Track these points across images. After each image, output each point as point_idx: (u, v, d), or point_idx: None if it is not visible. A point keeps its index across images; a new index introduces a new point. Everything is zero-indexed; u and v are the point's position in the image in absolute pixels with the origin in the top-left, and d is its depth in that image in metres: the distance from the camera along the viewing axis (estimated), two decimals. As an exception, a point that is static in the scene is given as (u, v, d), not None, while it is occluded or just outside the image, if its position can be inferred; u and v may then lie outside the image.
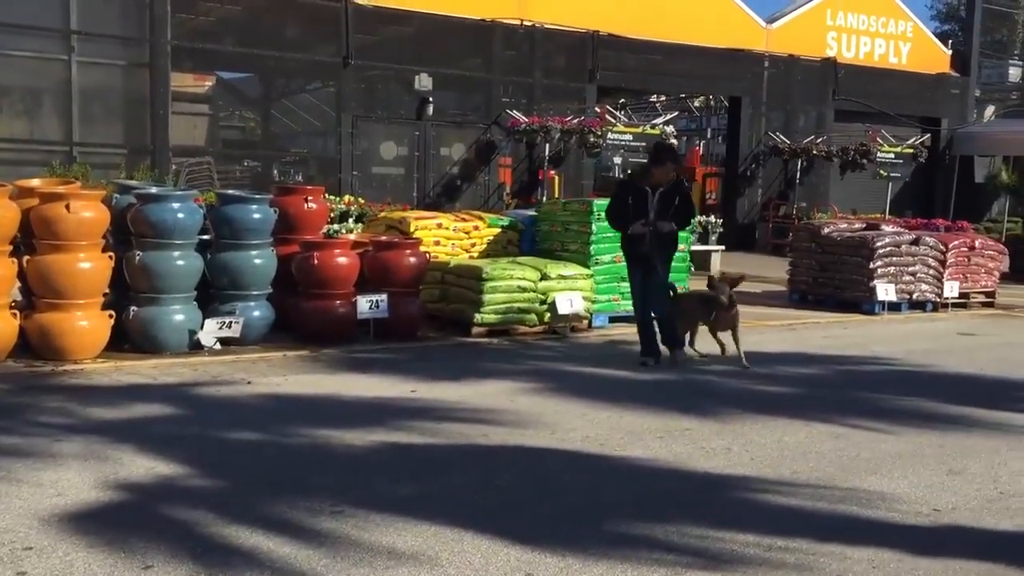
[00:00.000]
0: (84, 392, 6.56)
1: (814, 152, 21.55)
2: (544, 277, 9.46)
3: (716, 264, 16.25)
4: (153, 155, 14.45)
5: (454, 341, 9.15)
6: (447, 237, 10.25)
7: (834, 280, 12.48)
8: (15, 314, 7.31)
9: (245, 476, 4.96)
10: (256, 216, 8.26)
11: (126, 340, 7.79)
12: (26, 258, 7.35)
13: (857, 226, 13.24)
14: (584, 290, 9.73)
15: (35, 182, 8.12)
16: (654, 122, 19.73)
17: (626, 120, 19.79)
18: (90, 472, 4.84)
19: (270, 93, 21.98)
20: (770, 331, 10.45)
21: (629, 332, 9.87)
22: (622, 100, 25.23)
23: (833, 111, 22.65)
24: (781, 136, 21.82)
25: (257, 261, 8.26)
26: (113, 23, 14.40)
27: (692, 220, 8.66)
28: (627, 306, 10.26)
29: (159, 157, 14.45)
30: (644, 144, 17.19)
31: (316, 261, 8.42)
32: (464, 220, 10.64)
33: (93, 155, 14.03)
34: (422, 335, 9.16)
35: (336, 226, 12.42)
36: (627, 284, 10.19)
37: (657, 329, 8.23)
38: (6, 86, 13.94)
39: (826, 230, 12.87)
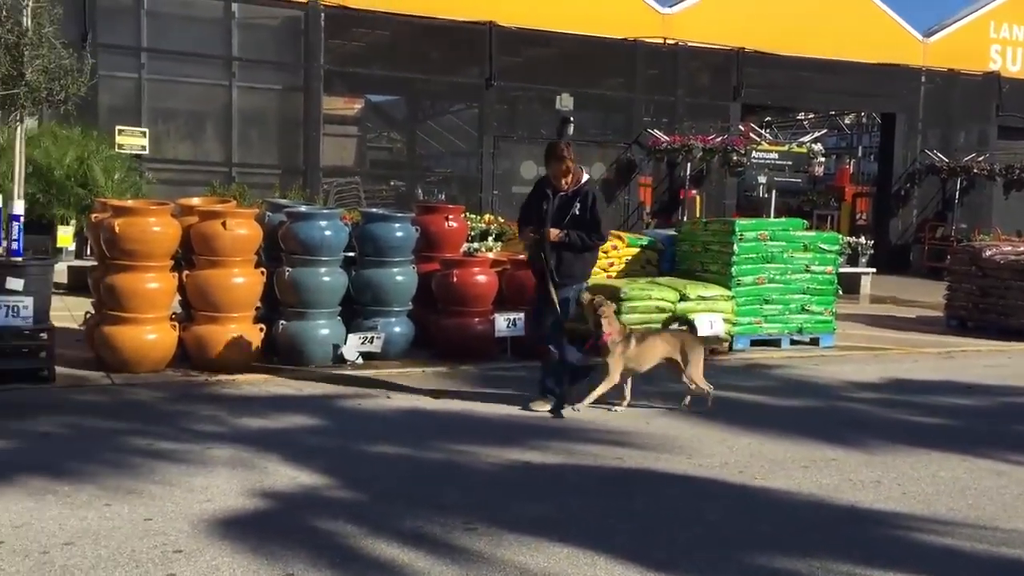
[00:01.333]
0: (235, 402, 6.83)
1: (975, 171, 20.42)
2: (683, 298, 9.29)
3: (866, 287, 15.58)
4: (305, 175, 15.05)
5: (593, 361, 9.07)
6: (585, 256, 10.20)
7: (997, 306, 11.74)
8: (174, 326, 7.71)
9: (383, 489, 5.04)
10: (399, 234, 8.45)
11: (274, 353, 8.09)
12: (185, 273, 7.75)
13: (1023, 249, 12.43)
14: (725, 312, 9.50)
15: (195, 201, 8.56)
16: (801, 140, 19.19)
17: (771, 138, 19.31)
18: (238, 479, 5.03)
19: (416, 115, 22.58)
20: (925, 359, 9.91)
21: (772, 356, 9.56)
22: (768, 118, 24.64)
23: (996, 128, 21.43)
24: (939, 154, 20.79)
25: (399, 278, 8.44)
26: (271, 50, 15.14)
27: (595, 236, 6.80)
28: (771, 328, 9.98)
29: (311, 177, 15.04)
30: (790, 163, 16.72)
31: (455, 279, 8.54)
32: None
33: (250, 175, 14.75)
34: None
35: (476, 244, 12.59)
36: (771, 306, 9.94)
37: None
38: (174, 110, 14.83)
39: (988, 252, 12.13)
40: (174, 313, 7.88)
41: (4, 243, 7.89)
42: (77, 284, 10.78)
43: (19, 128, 7.34)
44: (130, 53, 13.87)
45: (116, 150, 12.82)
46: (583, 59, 17.51)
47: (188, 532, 4.27)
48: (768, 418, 7.00)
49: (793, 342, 10.12)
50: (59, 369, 7.24)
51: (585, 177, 6.94)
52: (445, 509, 4.71)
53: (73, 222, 10.89)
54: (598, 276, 10.03)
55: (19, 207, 7.34)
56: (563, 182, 6.80)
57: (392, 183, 20.46)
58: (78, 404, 6.62)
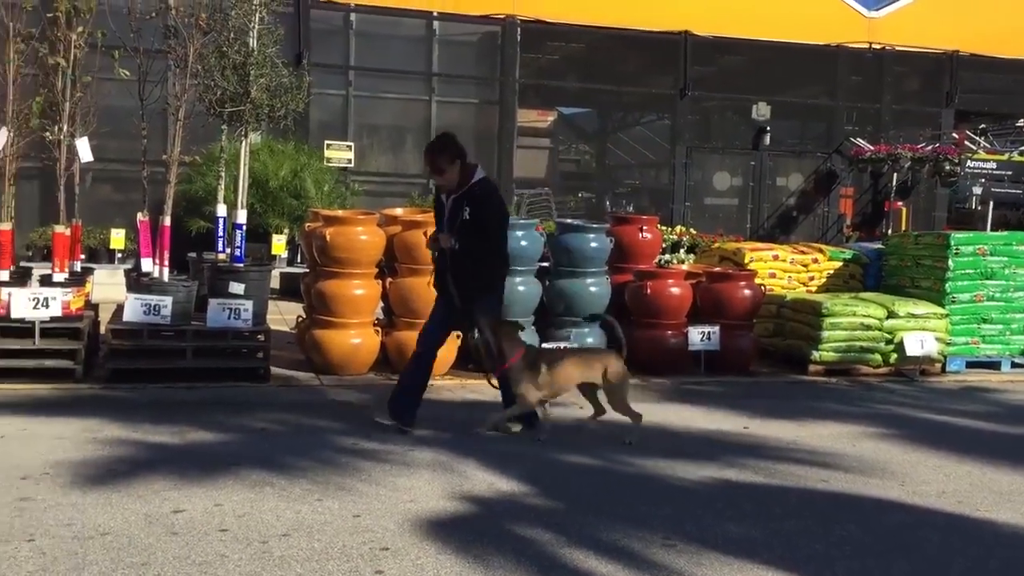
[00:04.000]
0: (434, 406, 6.97)
1: None
2: (891, 315, 8.79)
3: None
4: (498, 187, 15.37)
5: (788, 378, 8.76)
6: (783, 269, 9.87)
7: None
8: (377, 331, 8.02)
9: (579, 499, 5.03)
10: (593, 245, 8.45)
11: (469, 360, 8.27)
12: (388, 280, 8.06)
13: None
14: (937, 331, 8.91)
15: (398, 211, 8.89)
16: (1023, 149, 17.76)
17: (988, 147, 18.00)
18: (439, 482, 5.16)
19: (606, 126, 22.59)
20: None
21: (990, 379, 8.90)
22: (982, 125, 23.00)
23: None
24: None
25: (592, 289, 8.44)
26: (469, 65, 15.56)
27: (485, 243, 6.02)
28: (989, 350, 9.29)
29: (503, 188, 15.31)
30: (1010, 173, 15.51)
31: (649, 290, 8.45)
32: (802, 252, 10.19)
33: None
34: (754, 370, 8.86)
35: (667, 256, 12.42)
36: (990, 326, 9.25)
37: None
38: (377, 125, 15.50)
39: None
40: (376, 319, 8.20)
41: (227, 250, 8.45)
42: (288, 289, 11.46)
43: (244, 143, 7.86)
44: (339, 71, 14.62)
45: (324, 163, 13.52)
46: (781, 66, 16.98)
47: (394, 531, 4.41)
48: (989, 445, 6.49)
49: (1015, 365, 9.38)
50: (273, 369, 7.69)
51: (477, 175, 6.09)
52: (643, 523, 4.64)
53: (286, 231, 11.57)
54: (796, 290, 9.68)
55: (242, 216, 7.86)
56: (446, 181, 6.07)
57: (580, 194, 20.55)
58: (288, 403, 6.99)
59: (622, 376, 6.21)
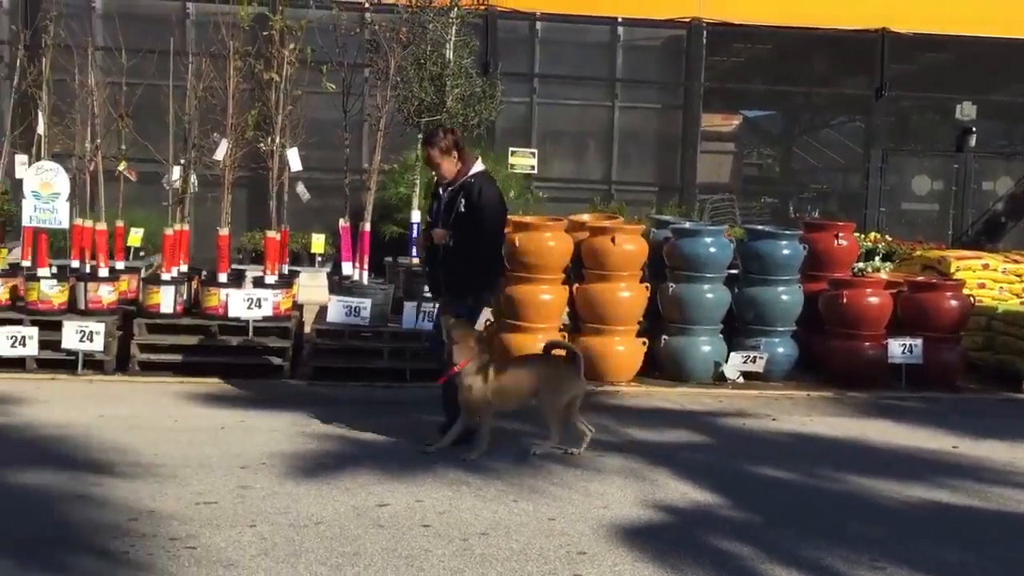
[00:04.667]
0: (620, 412, 7.01)
1: None
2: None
3: None
4: (681, 192, 15.15)
5: (1001, 395, 8.19)
6: (994, 280, 9.26)
7: None
8: (564, 336, 8.09)
9: (775, 513, 4.90)
10: (785, 252, 8.21)
11: (655, 367, 8.21)
12: (575, 285, 8.11)
13: None
14: None
15: (584, 217, 8.94)
16: None
17: None
18: (631, 489, 5.15)
19: (792, 129, 21.85)
20: None
21: None
22: None
23: None
24: None
25: (784, 297, 8.20)
26: (653, 70, 15.43)
27: (480, 240, 5.73)
28: None
29: (686, 194, 15.11)
30: None
31: (845, 300, 8.11)
32: (1015, 262, 9.52)
33: (627, 192, 15.12)
34: (961, 386, 8.34)
35: (861, 264, 11.87)
36: None
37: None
38: (560, 132, 15.63)
39: None
40: (563, 324, 8.27)
41: (417, 255, 8.76)
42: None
43: (438, 151, 8.12)
44: (523, 79, 14.84)
45: (508, 170, 13.75)
46: (988, 63, 15.90)
47: (589, 535, 4.43)
48: None
49: None
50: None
51: (475, 168, 5.85)
52: (846, 541, 4.46)
53: (472, 236, 11.84)
54: (1008, 301, 9.06)
55: (436, 222, 8.11)
56: (442, 173, 5.84)
57: (763, 199, 19.97)
58: (480, 404, 7.15)
59: (564, 386, 5.75)
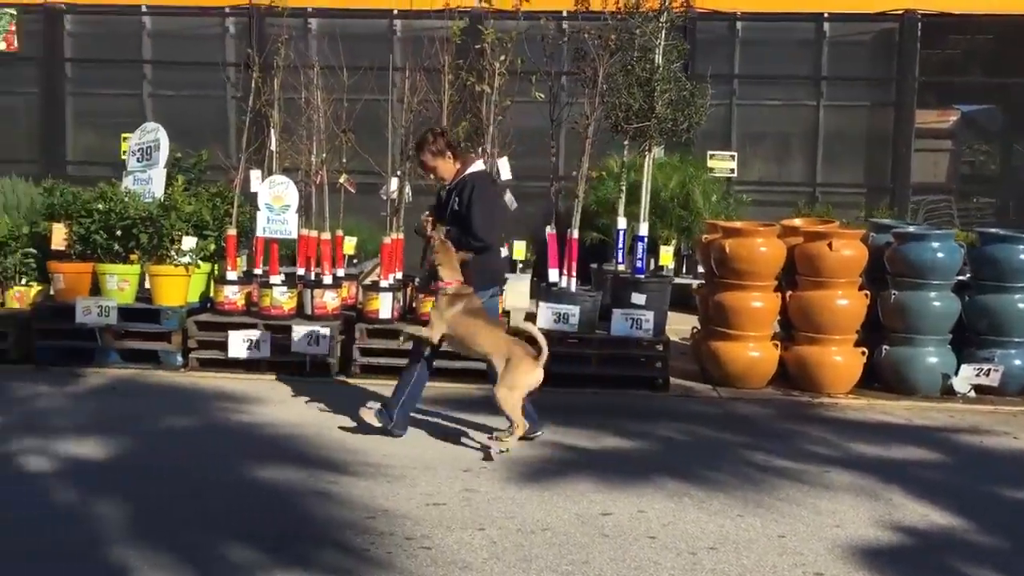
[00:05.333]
0: (842, 426, 6.71)
1: None
2: None
3: None
4: (893, 193, 14.36)
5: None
6: None
7: None
8: (776, 345, 7.83)
9: (1029, 542, 4.54)
10: (1023, 257, 7.61)
11: (875, 378, 7.80)
12: (788, 293, 7.83)
13: None
14: None
15: (797, 221, 8.62)
16: None
17: None
18: (864, 508, 4.91)
19: (1014, 124, 20.27)
20: None
21: None
22: None
23: None
24: None
25: (1021, 306, 7.60)
26: (861, 66, 14.72)
27: (475, 237, 5.80)
28: None
29: (898, 195, 14.30)
30: None
31: (1094, 309, 7.42)
32: None
33: (834, 195, 14.47)
34: None
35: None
36: None
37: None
38: (760, 133, 15.18)
39: None
40: (774, 333, 8.00)
41: (623, 261, 8.73)
42: (676, 300, 11.54)
43: (648, 157, 8.07)
44: (723, 80, 14.51)
45: (707, 174, 13.48)
46: None
47: (825, 555, 4.25)
48: None
49: None
50: (670, 379, 7.79)
51: (473, 167, 6.01)
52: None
53: (673, 242, 11.70)
54: None
55: (644, 228, 8.07)
56: (439, 175, 6.03)
57: (975, 199, 18.62)
58: (690, 413, 7.04)
59: (519, 370, 5.54)
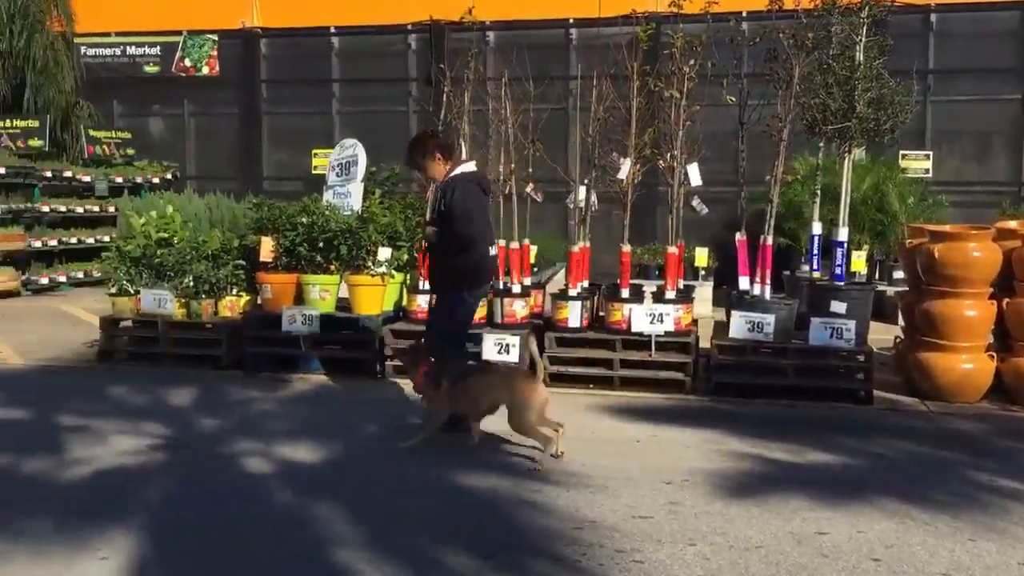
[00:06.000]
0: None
1: None
2: None
3: None
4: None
5: None
6: None
7: None
8: (991, 356, 7.32)
9: None
10: None
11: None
12: (1005, 300, 7.31)
13: None
14: None
15: (1013, 224, 8.03)
16: None
17: None
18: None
19: None
20: None
21: None
22: None
23: None
24: None
25: None
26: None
27: (454, 236, 6.01)
28: None
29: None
30: None
31: None
32: None
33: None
34: None
35: None
36: None
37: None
38: (956, 131, 14.31)
39: None
40: (989, 343, 7.48)
41: (817, 268, 8.40)
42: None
43: (847, 159, 7.72)
44: (918, 77, 13.78)
45: (901, 175, 12.81)
46: None
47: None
48: None
49: None
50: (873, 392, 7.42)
51: (460, 168, 6.18)
52: None
53: (866, 247, 11.17)
54: None
55: (843, 233, 7.72)
56: (429, 176, 6.28)
57: None
58: (898, 428, 6.66)
59: (525, 397, 5.55)
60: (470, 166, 6.35)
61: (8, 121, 14.66)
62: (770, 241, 7.67)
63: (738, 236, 8.07)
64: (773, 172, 7.69)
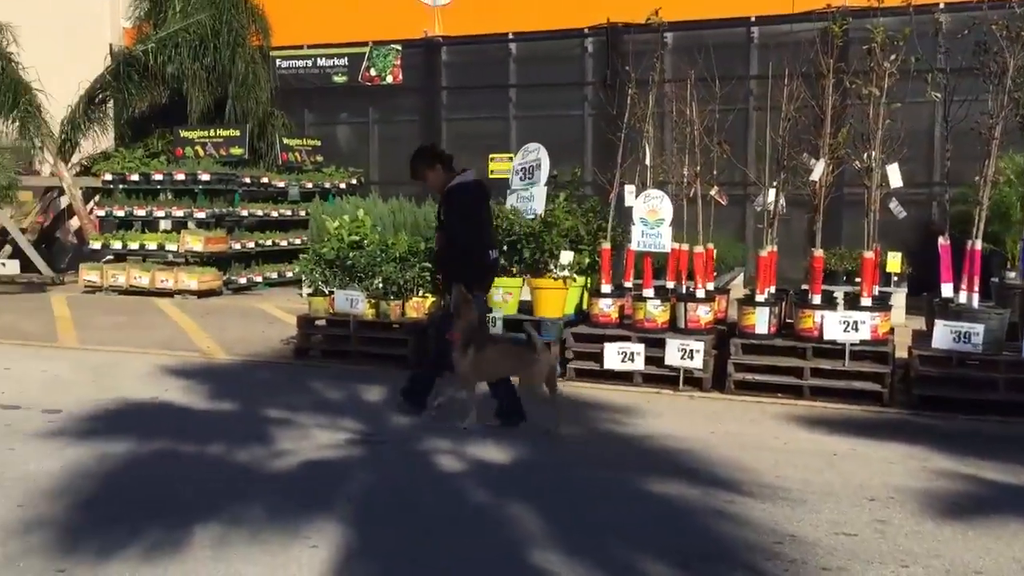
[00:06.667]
0: None
1: None
2: None
3: None
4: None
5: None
6: None
7: None
8: None
9: None
10: None
11: None
12: None
13: None
14: None
15: None
16: None
17: None
18: None
19: None
20: None
21: None
22: None
23: None
24: None
25: None
26: None
27: (451, 242, 6.52)
28: None
29: None
30: None
31: None
32: None
33: None
34: None
35: None
36: None
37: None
38: None
39: None
40: None
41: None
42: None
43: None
44: None
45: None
46: None
47: None
48: None
49: None
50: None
51: (458, 179, 6.54)
52: None
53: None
54: None
55: (1064, 238, 7.15)
56: (430, 185, 6.71)
57: None
58: None
59: (538, 369, 6.23)
60: (469, 175, 6.65)
61: (211, 131, 15.69)
62: (979, 246, 7.20)
63: (941, 240, 7.61)
64: (982, 172, 7.22)
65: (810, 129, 7.82)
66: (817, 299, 7.61)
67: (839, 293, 8.44)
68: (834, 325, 7.33)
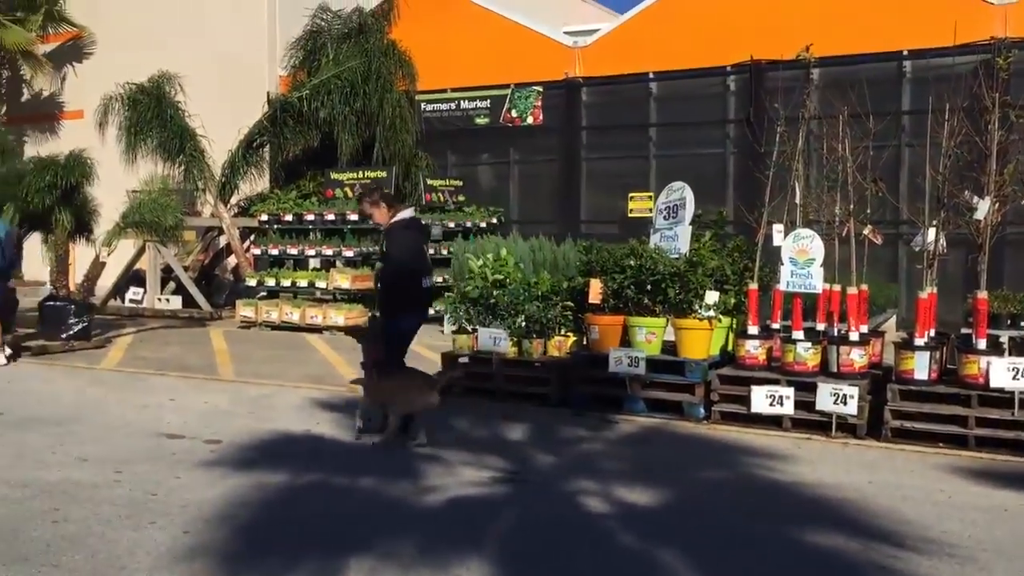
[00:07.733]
0: None
1: None
2: None
3: None
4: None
5: None
6: None
7: None
8: None
9: None
10: None
11: None
12: None
13: None
14: None
15: None
16: None
17: None
18: None
19: None
20: None
21: None
22: None
23: None
24: None
25: None
26: None
27: (390, 273, 7.26)
28: None
29: None
30: None
31: None
32: None
33: None
34: None
35: None
36: None
37: None
38: None
39: None
40: None
41: None
42: None
43: None
44: None
45: None
46: None
47: None
48: None
49: None
50: None
51: (399, 215, 7.24)
52: None
53: None
54: None
55: None
56: (376, 221, 7.38)
57: None
58: None
59: (413, 397, 7.01)
60: (407, 213, 7.39)
61: (360, 172, 16.28)
62: None
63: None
64: None
65: (972, 166, 7.47)
66: (982, 343, 7.21)
67: (1004, 337, 8.00)
68: (1001, 372, 6.92)
